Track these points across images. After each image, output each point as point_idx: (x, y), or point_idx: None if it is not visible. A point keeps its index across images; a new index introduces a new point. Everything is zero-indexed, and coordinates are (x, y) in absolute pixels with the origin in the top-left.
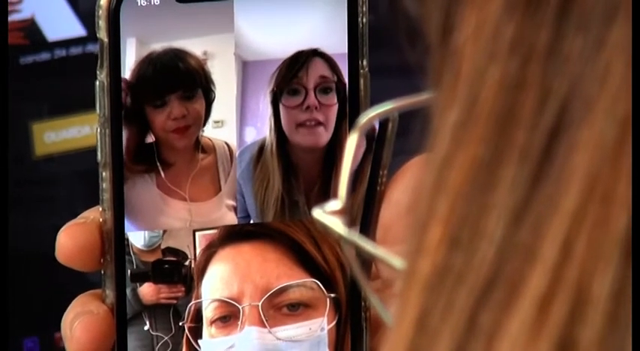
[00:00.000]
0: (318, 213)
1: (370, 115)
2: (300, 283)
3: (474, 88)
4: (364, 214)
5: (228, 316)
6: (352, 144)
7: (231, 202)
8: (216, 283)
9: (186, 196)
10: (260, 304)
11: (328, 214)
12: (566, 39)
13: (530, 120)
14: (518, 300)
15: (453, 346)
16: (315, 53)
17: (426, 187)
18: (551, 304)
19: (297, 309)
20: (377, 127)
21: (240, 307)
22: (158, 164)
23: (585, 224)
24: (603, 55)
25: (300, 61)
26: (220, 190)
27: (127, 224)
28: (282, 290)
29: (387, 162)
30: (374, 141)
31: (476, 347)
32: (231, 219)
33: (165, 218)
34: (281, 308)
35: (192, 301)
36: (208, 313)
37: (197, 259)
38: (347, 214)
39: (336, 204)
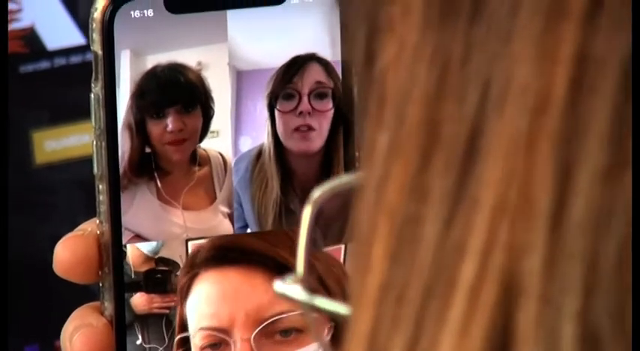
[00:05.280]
0: (279, 286)
1: (324, 190)
2: (292, 313)
3: (400, 109)
4: None
5: (219, 343)
6: (306, 217)
7: (227, 210)
8: (203, 309)
9: (180, 206)
10: (252, 337)
11: (288, 285)
12: (478, 43)
13: (452, 129)
14: (454, 294)
15: None
16: (312, 58)
17: (366, 208)
18: (480, 290)
19: (290, 334)
20: None
21: (231, 341)
22: (155, 174)
23: (507, 212)
24: (510, 48)
25: (296, 65)
26: (216, 199)
27: (127, 234)
28: (275, 321)
29: None
30: None
31: None
32: (227, 227)
33: (163, 226)
34: (273, 335)
35: (180, 334)
36: (197, 341)
37: (179, 280)
38: (306, 282)
39: (294, 278)
